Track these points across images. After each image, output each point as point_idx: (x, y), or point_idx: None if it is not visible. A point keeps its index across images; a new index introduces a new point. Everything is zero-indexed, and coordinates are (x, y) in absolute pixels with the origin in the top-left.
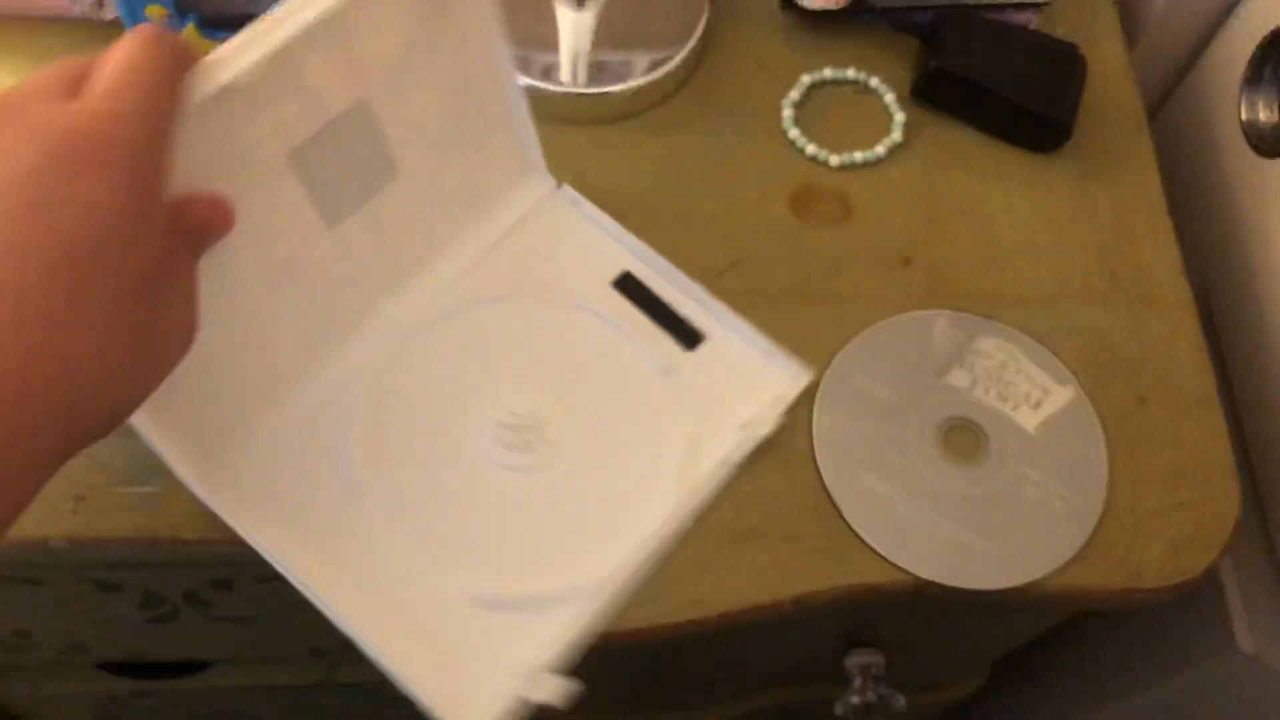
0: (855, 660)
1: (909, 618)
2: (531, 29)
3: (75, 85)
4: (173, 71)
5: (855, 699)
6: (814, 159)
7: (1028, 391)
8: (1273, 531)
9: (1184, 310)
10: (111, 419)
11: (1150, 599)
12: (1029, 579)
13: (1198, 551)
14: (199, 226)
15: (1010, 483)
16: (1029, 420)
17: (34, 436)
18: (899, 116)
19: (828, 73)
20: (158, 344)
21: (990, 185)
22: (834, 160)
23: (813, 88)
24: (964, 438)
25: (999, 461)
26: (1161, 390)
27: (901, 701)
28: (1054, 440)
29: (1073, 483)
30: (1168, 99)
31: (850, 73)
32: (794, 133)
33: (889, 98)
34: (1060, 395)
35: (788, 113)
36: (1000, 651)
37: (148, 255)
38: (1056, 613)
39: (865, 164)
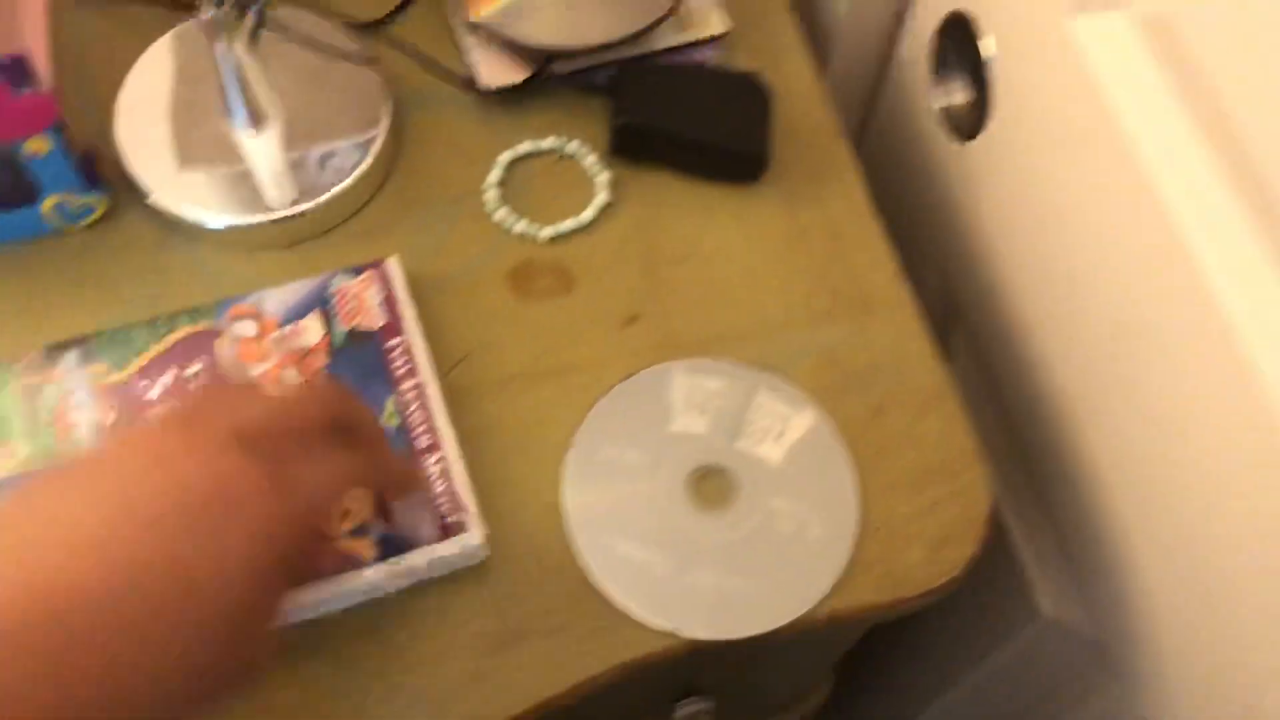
0: (683, 712)
1: (719, 663)
2: (213, 164)
3: (283, 442)
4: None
5: None
6: (524, 235)
7: (768, 424)
8: (1047, 491)
9: (905, 310)
10: None
11: (920, 604)
12: (797, 614)
13: (958, 546)
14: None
15: (765, 519)
16: (773, 453)
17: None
18: (602, 176)
19: (525, 146)
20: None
21: (703, 226)
22: (545, 233)
23: (514, 163)
24: (714, 484)
25: (750, 500)
26: (897, 394)
27: None
28: (801, 468)
29: (825, 506)
30: (874, 105)
31: (548, 142)
32: (501, 213)
33: (590, 159)
34: (800, 421)
35: (491, 194)
36: (835, 658)
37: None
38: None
39: (577, 230)
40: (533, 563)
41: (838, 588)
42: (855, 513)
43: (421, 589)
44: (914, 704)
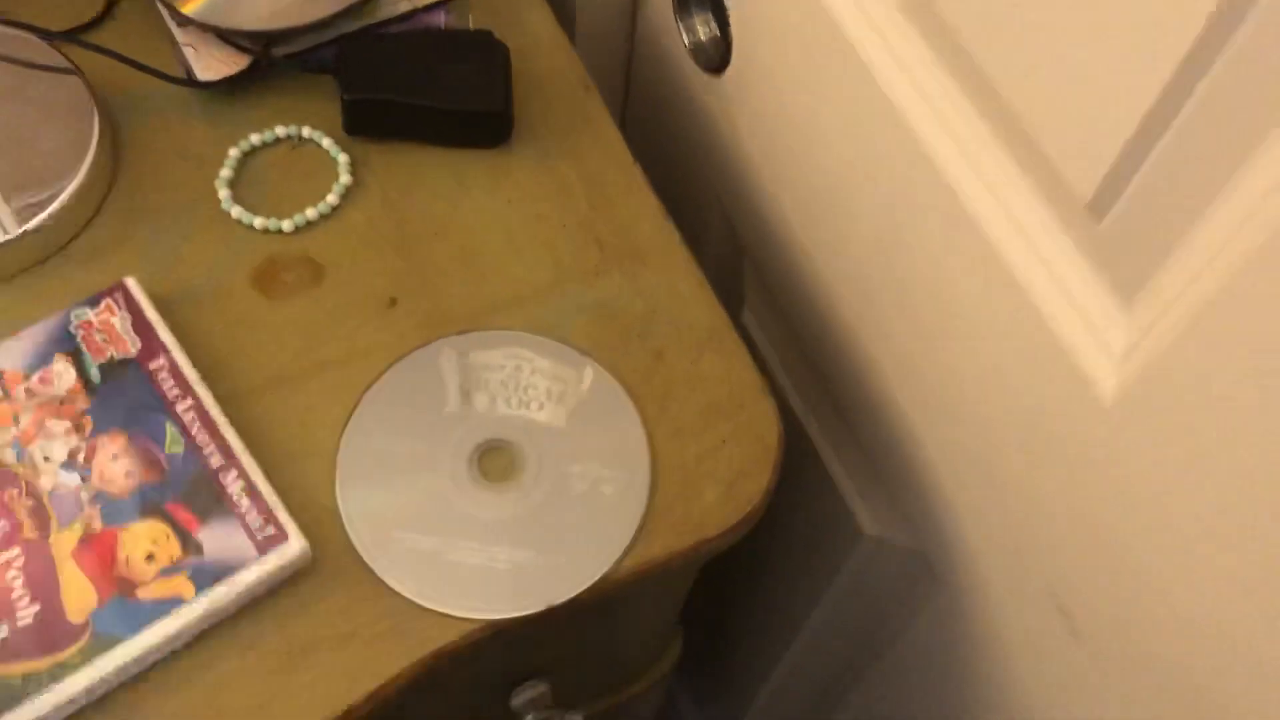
0: (520, 699)
1: (541, 642)
2: None
3: None
4: None
5: None
6: (267, 231)
7: (548, 388)
8: (851, 416)
9: (674, 253)
10: None
11: (722, 543)
12: (598, 575)
13: (752, 480)
14: None
15: (556, 485)
16: (556, 416)
17: None
18: (342, 158)
19: (255, 138)
20: None
21: (456, 196)
22: (286, 225)
23: (246, 158)
24: (499, 459)
25: (538, 468)
26: (675, 337)
27: (578, 718)
28: (587, 426)
29: (616, 461)
30: (632, 51)
31: (279, 130)
32: (237, 211)
33: (326, 142)
34: (580, 380)
35: (224, 193)
36: (672, 614)
37: None
38: (668, 580)
39: (322, 218)
40: (316, 571)
41: (637, 541)
42: (646, 462)
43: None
44: (770, 651)
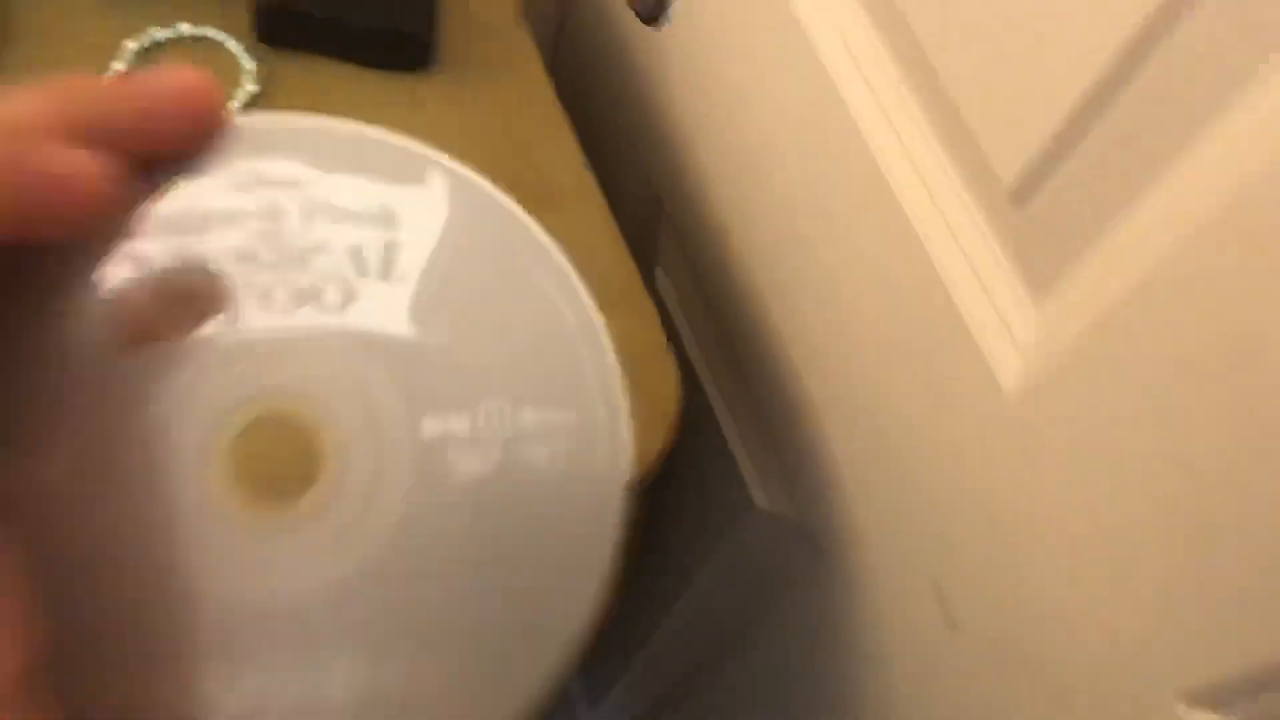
0: None
1: None
2: None
3: None
4: None
5: None
6: None
7: (356, 243)
8: (755, 386)
9: (590, 201)
10: None
11: None
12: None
13: (646, 441)
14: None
15: (427, 483)
16: (389, 310)
17: None
18: (249, 65)
19: (157, 33)
20: None
21: (366, 120)
22: None
23: (144, 54)
24: (283, 449)
25: (377, 452)
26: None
27: None
28: (459, 326)
29: (546, 397)
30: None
31: (184, 28)
32: None
33: (233, 46)
34: (424, 203)
35: None
36: None
37: None
38: None
39: None
40: None
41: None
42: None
43: None
44: (649, 617)
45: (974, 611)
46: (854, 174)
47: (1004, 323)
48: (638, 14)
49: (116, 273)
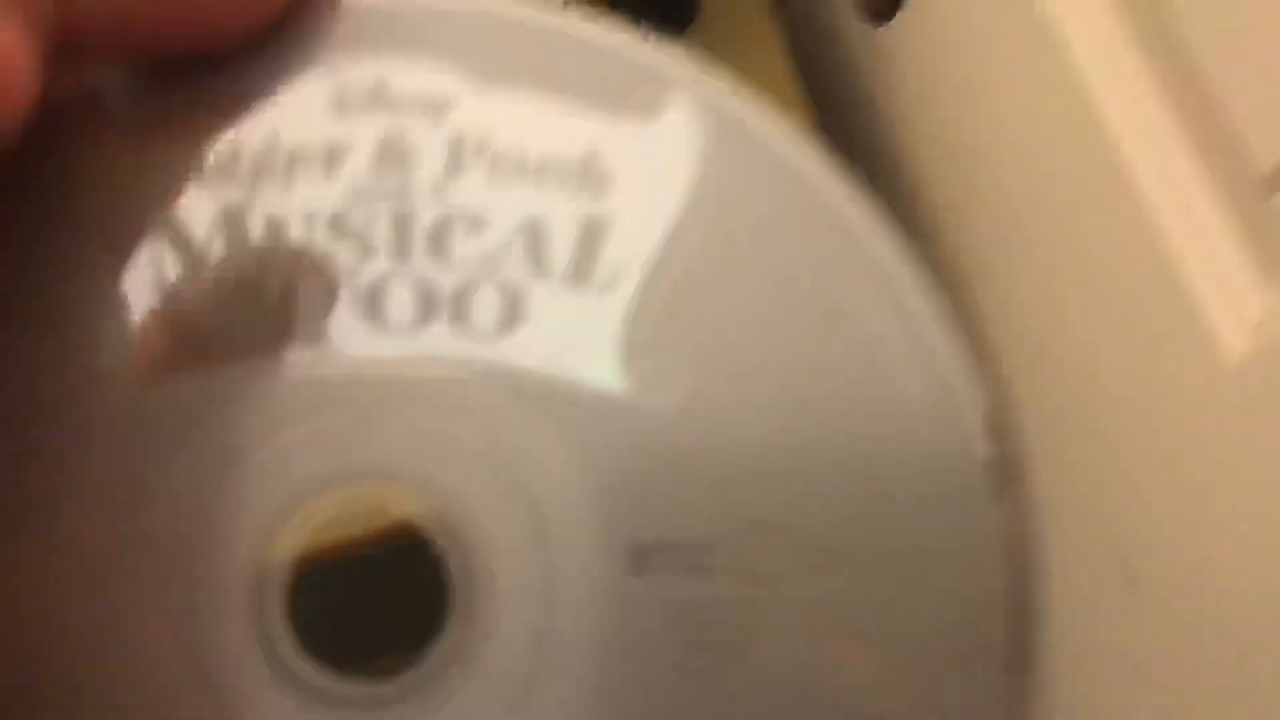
0: None
1: None
2: None
3: None
4: None
5: None
6: None
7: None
8: None
9: None
10: None
11: None
12: None
13: None
14: None
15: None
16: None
17: None
18: None
19: None
20: None
21: None
22: None
23: None
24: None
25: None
26: None
27: None
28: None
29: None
30: None
31: None
32: None
33: None
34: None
35: None
36: None
37: None
38: None
39: None
40: None
41: None
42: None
43: None
44: None
45: (1157, 573)
46: (1086, 155)
47: (1231, 298)
48: (864, 10)
49: (141, 257)
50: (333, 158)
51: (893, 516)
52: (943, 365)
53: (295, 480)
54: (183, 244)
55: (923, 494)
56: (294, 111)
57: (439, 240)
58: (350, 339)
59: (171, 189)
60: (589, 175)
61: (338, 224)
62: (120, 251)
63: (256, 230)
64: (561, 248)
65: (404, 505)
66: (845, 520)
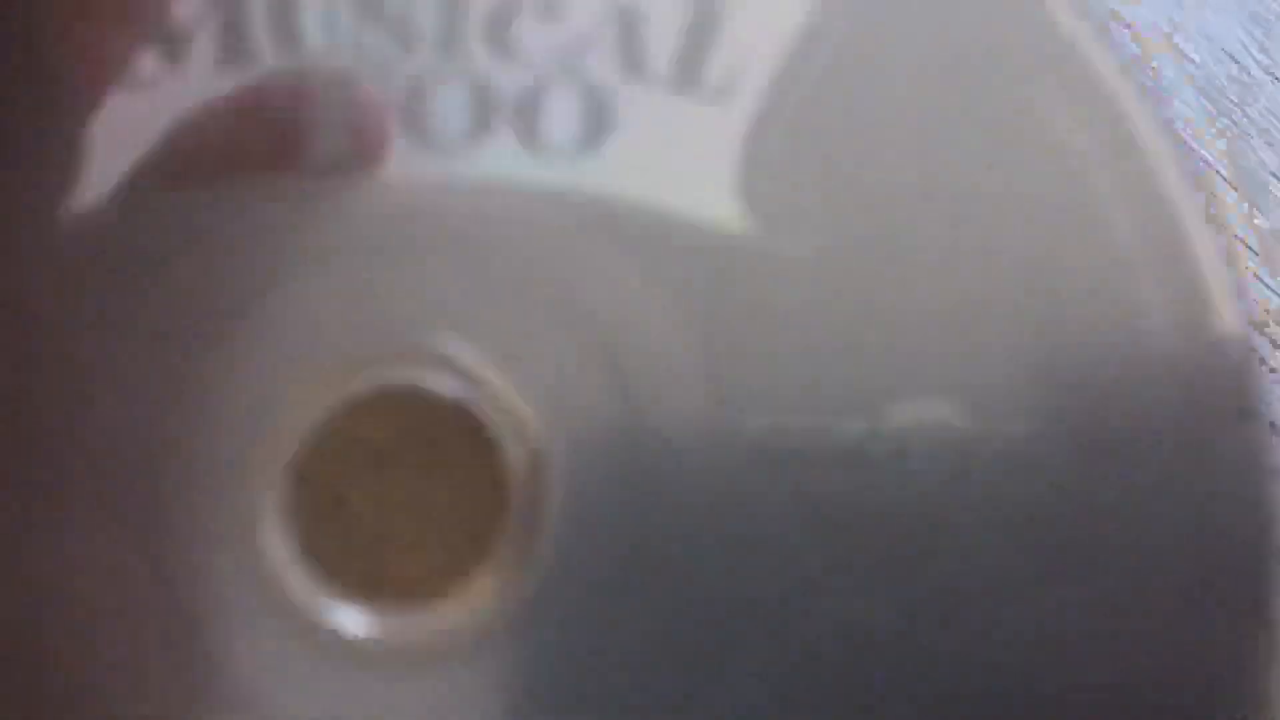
0: None
1: None
2: None
3: None
4: None
5: None
6: None
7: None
8: None
9: None
10: None
11: None
12: None
13: None
14: None
15: None
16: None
17: None
18: None
19: None
20: None
21: None
22: None
23: None
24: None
25: None
26: None
27: None
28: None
29: None
30: None
31: None
32: None
33: None
34: None
35: None
36: None
37: None
38: None
39: None
40: None
41: None
42: None
43: None
44: None
45: None
46: None
47: None
48: None
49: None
50: None
51: (1105, 422)
52: (1177, 212)
53: (298, 352)
54: (169, 39)
55: (1146, 407)
56: None
57: (501, 27)
58: (390, 159)
59: None
60: None
61: (369, 3)
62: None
63: (260, 17)
64: (662, 39)
65: (448, 385)
66: (1042, 417)
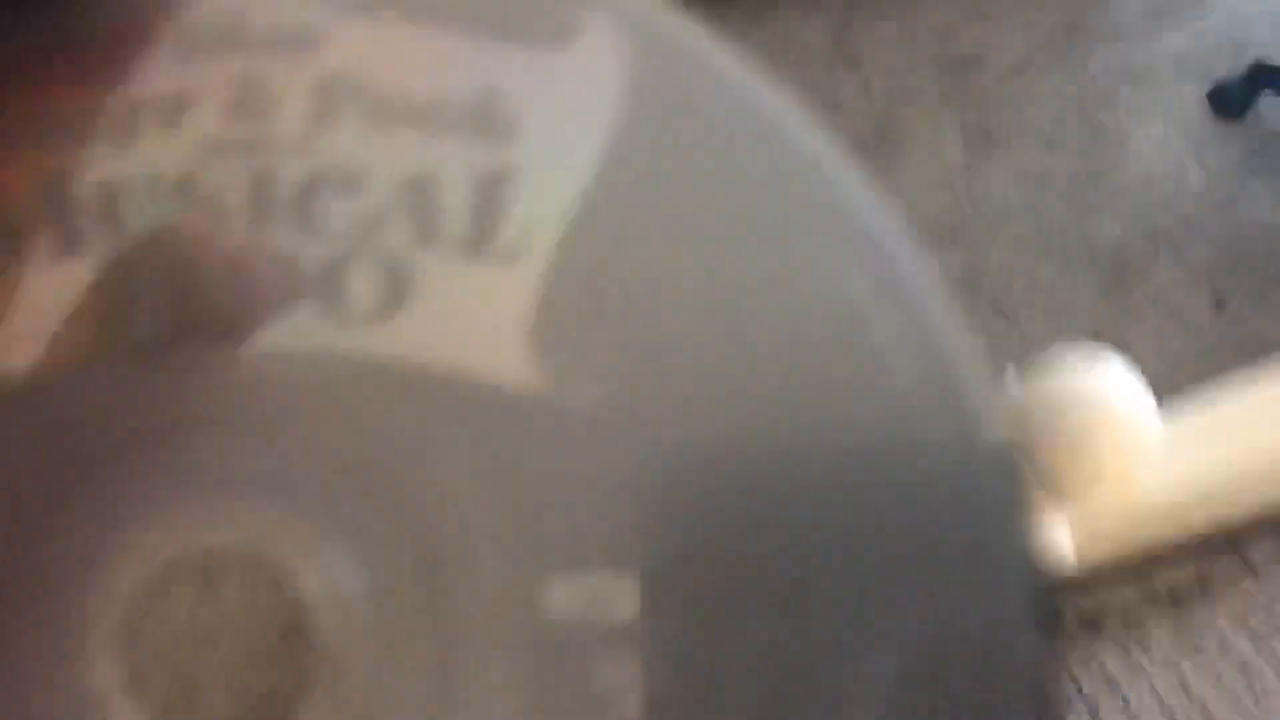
0: None
1: None
2: None
3: None
4: None
5: None
6: None
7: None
8: None
9: None
10: None
11: None
12: None
13: None
14: None
15: None
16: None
17: None
18: None
19: None
20: None
21: None
22: None
23: None
24: None
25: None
26: None
27: None
28: None
29: None
30: None
31: None
32: None
33: None
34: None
35: None
36: None
37: None
38: None
39: None
40: None
41: None
42: None
43: None
44: None
45: None
46: None
47: None
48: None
49: None
50: (179, 109)
51: (876, 548)
52: (937, 335)
53: (132, 514)
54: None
55: (919, 510)
56: (134, 58)
57: (305, 204)
58: (202, 333)
59: None
60: (487, 120)
61: (184, 188)
62: None
63: (86, 200)
64: (455, 209)
65: (259, 545)
66: (815, 550)
